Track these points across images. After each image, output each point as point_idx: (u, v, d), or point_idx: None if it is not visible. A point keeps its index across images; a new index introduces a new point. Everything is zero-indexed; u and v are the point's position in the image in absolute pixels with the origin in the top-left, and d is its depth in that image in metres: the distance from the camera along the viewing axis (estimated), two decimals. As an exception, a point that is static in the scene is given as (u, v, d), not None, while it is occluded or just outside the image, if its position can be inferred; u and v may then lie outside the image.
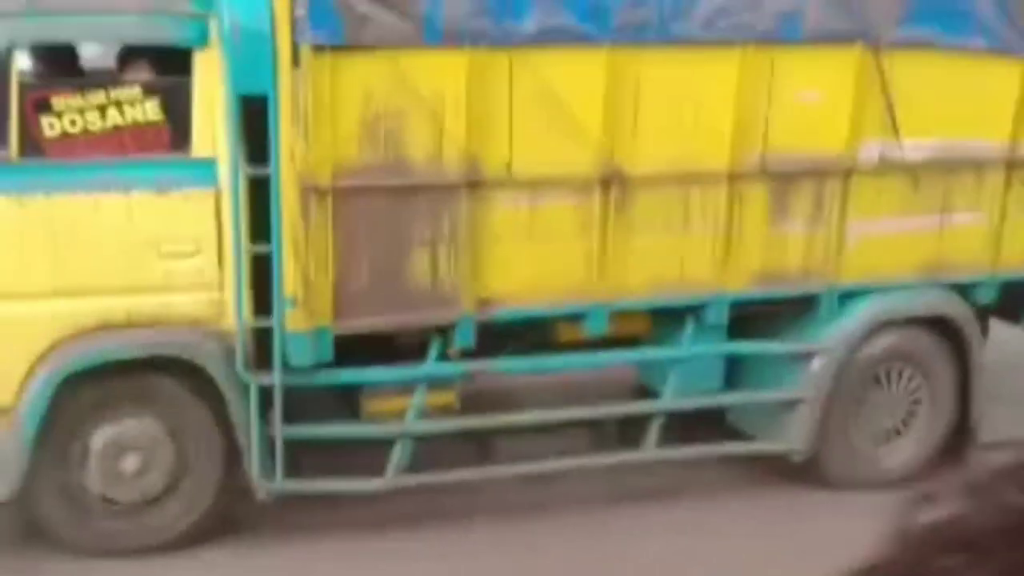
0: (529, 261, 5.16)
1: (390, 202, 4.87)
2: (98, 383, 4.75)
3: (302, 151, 4.61)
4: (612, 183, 5.14)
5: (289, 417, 5.08)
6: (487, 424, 5.42)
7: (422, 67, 4.74)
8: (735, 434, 6.04)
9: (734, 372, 6.02)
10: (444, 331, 5.20)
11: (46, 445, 4.72)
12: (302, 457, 5.48)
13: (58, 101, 4.55)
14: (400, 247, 4.92)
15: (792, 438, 5.85)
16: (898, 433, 6.09)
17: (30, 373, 4.62)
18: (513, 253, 5.11)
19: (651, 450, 5.66)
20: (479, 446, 5.94)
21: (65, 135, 4.58)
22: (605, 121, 5.05)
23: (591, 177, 5.12)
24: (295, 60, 4.53)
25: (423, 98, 4.76)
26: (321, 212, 4.72)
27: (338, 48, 4.58)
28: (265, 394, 4.89)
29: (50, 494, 4.81)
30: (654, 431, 5.65)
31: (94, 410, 4.81)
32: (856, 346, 5.80)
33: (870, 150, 5.56)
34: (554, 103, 4.94)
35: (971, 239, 5.93)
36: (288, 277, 4.74)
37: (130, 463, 4.86)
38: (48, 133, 4.56)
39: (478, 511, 5.57)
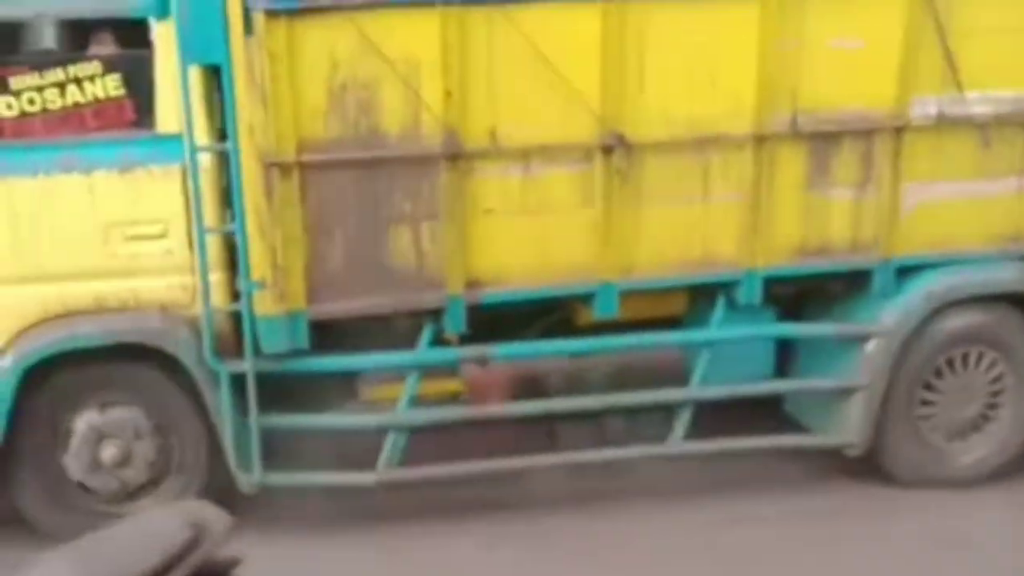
0: (524, 238, 4.73)
1: (364, 177, 4.52)
2: (72, 370, 4.61)
3: (262, 124, 4.31)
4: (614, 150, 4.64)
5: (284, 406, 4.86)
6: (488, 414, 5.01)
7: (389, 29, 4.35)
8: (794, 425, 5.46)
9: (789, 358, 5.44)
10: (438, 315, 4.83)
11: (24, 434, 4.61)
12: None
13: (15, 80, 4.40)
14: (378, 225, 4.57)
15: (846, 430, 5.23)
16: (977, 426, 5.36)
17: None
18: (505, 229, 4.69)
19: (678, 443, 5.15)
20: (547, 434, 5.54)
21: (23, 115, 4.43)
22: (603, 81, 4.56)
23: (590, 143, 4.64)
24: (248, 27, 4.22)
25: (393, 63, 4.38)
26: (287, 189, 4.41)
27: (294, 12, 4.25)
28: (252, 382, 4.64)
29: (31, 485, 4.71)
30: (681, 422, 5.14)
31: (71, 398, 4.68)
32: (919, 327, 5.12)
33: (926, 105, 4.87)
34: (542, 63, 4.48)
35: None
36: (255, 259, 4.47)
37: (109, 453, 4.70)
38: (6, 114, 4.41)
39: (501, 502, 5.24)
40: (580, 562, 4.72)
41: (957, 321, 5.19)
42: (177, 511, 1.88)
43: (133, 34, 4.49)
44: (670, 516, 5.10)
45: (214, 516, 1.84)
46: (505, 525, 5.02)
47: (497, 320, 5.09)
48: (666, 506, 5.18)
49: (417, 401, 4.99)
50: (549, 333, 5.27)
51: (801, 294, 5.39)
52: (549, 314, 5.27)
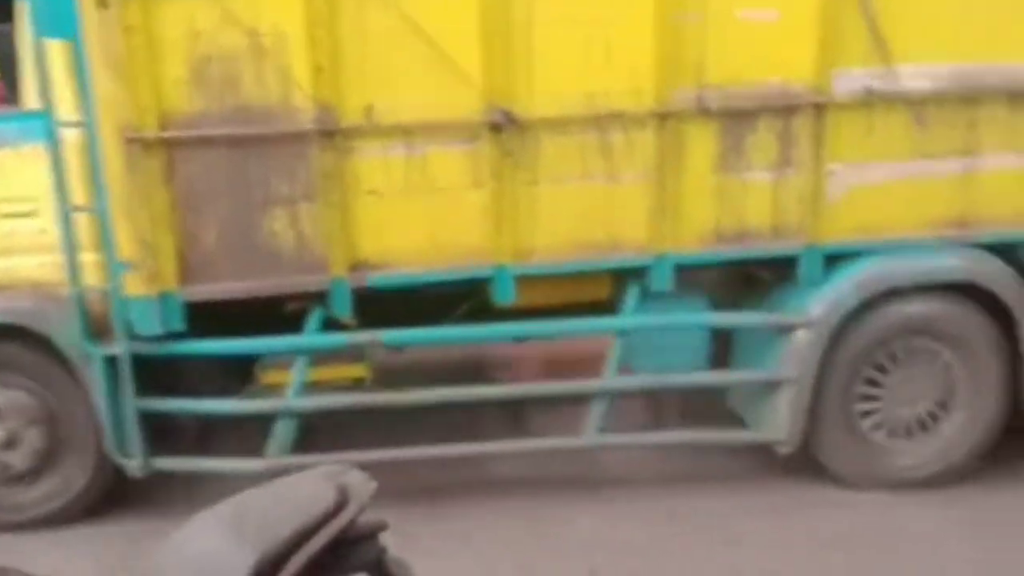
0: (412, 220, 4.49)
1: (234, 154, 4.33)
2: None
3: (120, 99, 4.14)
4: (503, 127, 4.37)
5: (179, 390, 4.74)
6: (384, 402, 4.82)
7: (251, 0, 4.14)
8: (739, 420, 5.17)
9: (728, 349, 5.14)
10: (324, 298, 4.64)
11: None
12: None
13: None
14: (252, 206, 4.38)
15: (774, 426, 4.91)
16: (924, 425, 4.99)
17: None
18: (391, 211, 4.46)
19: (592, 436, 4.88)
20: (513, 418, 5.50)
21: None
22: (485, 54, 4.29)
23: (475, 121, 4.37)
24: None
25: (258, 36, 4.17)
26: (151, 166, 4.25)
27: (148, -17, 4.07)
28: (134, 365, 4.52)
29: None
30: (595, 414, 4.87)
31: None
32: (850, 318, 4.76)
33: (851, 80, 4.49)
34: (419, 36, 4.22)
35: (1009, 186, 4.72)
36: (121, 238, 4.33)
37: (-6, 435, 4.63)
38: None
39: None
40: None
41: (897, 312, 4.82)
42: (323, 474, 1.86)
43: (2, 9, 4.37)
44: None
45: (359, 480, 1.84)
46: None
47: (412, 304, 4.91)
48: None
49: (317, 387, 4.83)
50: (470, 318, 5.04)
51: (736, 282, 5.10)
52: (468, 298, 5.04)
